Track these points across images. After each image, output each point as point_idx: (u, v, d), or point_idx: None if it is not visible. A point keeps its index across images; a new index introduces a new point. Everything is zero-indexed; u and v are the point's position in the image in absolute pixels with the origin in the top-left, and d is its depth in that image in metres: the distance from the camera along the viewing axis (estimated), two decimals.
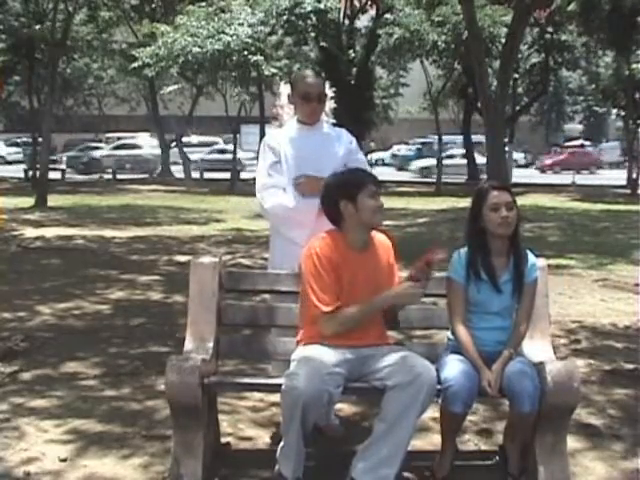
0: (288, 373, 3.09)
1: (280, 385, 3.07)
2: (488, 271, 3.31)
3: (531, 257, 3.40)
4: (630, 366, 5.15)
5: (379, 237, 3.44)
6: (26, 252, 10.48)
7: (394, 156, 43.66)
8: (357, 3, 27.61)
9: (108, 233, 12.73)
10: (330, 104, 5.18)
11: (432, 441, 3.76)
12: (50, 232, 12.63)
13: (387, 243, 3.46)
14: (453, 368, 3.17)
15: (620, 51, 21.24)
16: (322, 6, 23.10)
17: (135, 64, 24.01)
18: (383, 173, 30.36)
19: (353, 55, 26.82)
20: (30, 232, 12.59)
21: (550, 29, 26.85)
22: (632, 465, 3.61)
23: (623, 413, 4.29)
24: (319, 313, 3.22)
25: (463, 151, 32.73)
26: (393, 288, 3.30)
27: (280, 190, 3.82)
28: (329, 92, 4.72)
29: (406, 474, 3.32)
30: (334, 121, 4.80)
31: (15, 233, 12.54)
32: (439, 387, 3.13)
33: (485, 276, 3.31)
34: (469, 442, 3.87)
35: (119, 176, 30.81)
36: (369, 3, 27.31)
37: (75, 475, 3.45)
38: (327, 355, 3.15)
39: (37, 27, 22.88)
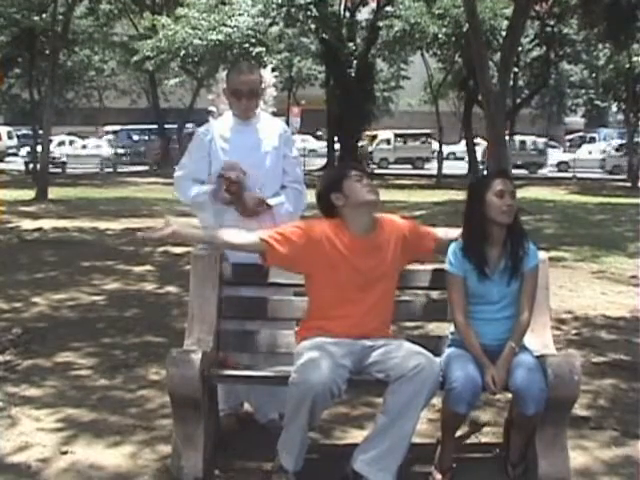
0: (298, 365, 3.05)
1: (284, 377, 3.07)
2: (479, 259, 3.30)
3: (531, 245, 3.38)
4: (630, 359, 5.18)
5: (386, 217, 3.44)
6: (23, 244, 10.51)
7: None
8: None
9: (105, 225, 12.76)
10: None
11: (435, 434, 3.71)
12: (49, 224, 12.65)
13: (396, 220, 3.46)
14: (457, 368, 3.15)
15: (618, 44, 21.23)
16: None
17: (136, 57, 24.01)
18: None
19: (354, 48, 26.85)
20: (28, 224, 12.61)
21: (551, 22, 26.82)
22: (620, 453, 3.65)
23: (624, 406, 4.28)
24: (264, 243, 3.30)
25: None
26: None
27: (191, 183, 3.77)
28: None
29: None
30: (274, 109, 4.68)
31: (13, 225, 12.56)
32: (443, 384, 3.14)
33: (475, 264, 3.30)
34: (470, 434, 3.86)
35: None
36: None
37: (66, 462, 3.48)
38: (334, 348, 3.13)
39: (37, 19, 22.87)
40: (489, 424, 3.99)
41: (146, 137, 36.68)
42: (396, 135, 38.21)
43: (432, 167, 36.09)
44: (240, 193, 3.66)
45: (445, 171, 28.69)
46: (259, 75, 3.82)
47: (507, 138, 19.65)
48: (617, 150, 35.04)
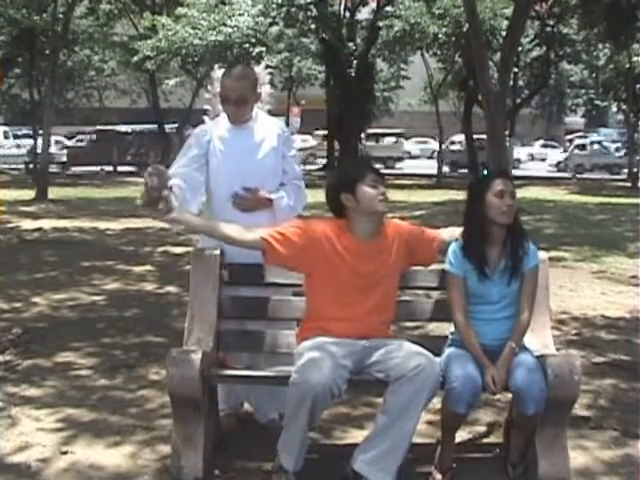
0: (299, 365, 3.05)
1: (284, 377, 3.08)
2: (479, 259, 3.30)
3: (531, 245, 3.38)
4: (630, 359, 5.18)
5: (391, 221, 3.43)
6: (23, 244, 10.52)
7: None
8: None
9: (105, 225, 12.78)
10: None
11: (435, 434, 3.71)
12: (49, 224, 12.66)
13: (400, 224, 3.46)
14: (457, 368, 3.15)
15: (618, 44, 21.26)
16: None
17: (136, 57, 24.01)
18: None
19: (354, 48, 26.84)
20: (28, 224, 12.62)
21: (551, 22, 26.84)
22: (620, 453, 3.65)
23: (624, 406, 4.28)
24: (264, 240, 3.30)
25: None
26: None
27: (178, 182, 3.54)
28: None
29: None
30: (270, 107, 4.52)
31: (13, 225, 12.56)
32: (443, 384, 3.14)
33: (475, 264, 3.30)
34: (470, 434, 3.86)
35: None
36: None
37: (66, 462, 3.48)
38: (334, 348, 3.14)
39: (37, 19, 22.88)
40: (491, 424, 3.99)
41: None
42: (367, 134, 37.99)
43: (403, 166, 36.40)
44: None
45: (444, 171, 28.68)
46: (252, 80, 3.74)
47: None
48: (581, 149, 35.64)
